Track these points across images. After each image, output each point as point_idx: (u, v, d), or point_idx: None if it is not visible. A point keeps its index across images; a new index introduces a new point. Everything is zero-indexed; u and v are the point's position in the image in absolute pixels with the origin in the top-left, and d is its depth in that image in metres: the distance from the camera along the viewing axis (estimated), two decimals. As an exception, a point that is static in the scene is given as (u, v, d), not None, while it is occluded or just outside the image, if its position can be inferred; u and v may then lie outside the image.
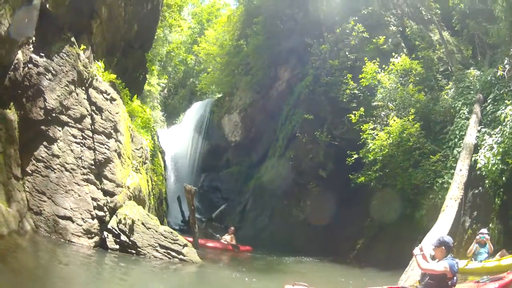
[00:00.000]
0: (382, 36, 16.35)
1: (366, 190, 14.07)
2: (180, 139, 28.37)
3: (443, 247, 5.80)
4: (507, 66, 12.78)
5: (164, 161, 20.80)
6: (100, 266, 7.46)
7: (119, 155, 9.51)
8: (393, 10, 18.46)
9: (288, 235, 15.94)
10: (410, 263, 8.34)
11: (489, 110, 12.32)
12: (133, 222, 8.81)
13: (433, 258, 6.03)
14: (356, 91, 15.44)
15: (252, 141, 23.14)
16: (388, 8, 18.33)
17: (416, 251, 5.86)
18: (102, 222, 8.63)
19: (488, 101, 12.71)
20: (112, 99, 9.84)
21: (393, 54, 15.35)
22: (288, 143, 17.27)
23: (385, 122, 13.79)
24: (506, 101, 11.44)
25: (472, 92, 13.65)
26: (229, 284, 8.27)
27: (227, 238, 15.02)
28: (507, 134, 10.51)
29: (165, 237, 9.13)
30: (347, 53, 16.68)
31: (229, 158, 25.34)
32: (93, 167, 8.78)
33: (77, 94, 8.83)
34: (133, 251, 8.57)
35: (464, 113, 12.99)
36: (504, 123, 10.86)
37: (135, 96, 13.41)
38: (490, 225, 10.23)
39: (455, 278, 5.63)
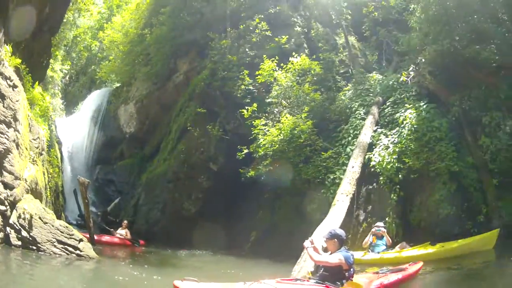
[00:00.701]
0: (286, 35, 16.69)
1: (257, 184, 14.19)
2: (77, 130, 26.90)
3: (336, 240, 5.95)
4: (411, 72, 13.84)
5: (61, 153, 19.84)
6: (5, 264, 7.18)
7: (17, 145, 8.80)
8: (302, 11, 19.00)
9: (181, 229, 15.64)
10: (302, 254, 8.49)
11: (388, 112, 13.19)
12: (31, 217, 8.40)
13: (325, 250, 6.09)
14: (251, 87, 15.53)
15: (147, 133, 22.41)
16: (297, 9, 18.82)
17: (306, 243, 5.93)
18: (4, 217, 8.00)
19: (388, 103, 13.56)
20: (14, 86, 9.10)
21: (294, 53, 15.70)
22: (181, 136, 16.89)
23: (277, 119, 14.00)
24: (407, 105, 12.43)
25: (371, 94, 14.47)
26: (126, 280, 7.83)
27: (122, 232, 14.64)
28: (404, 135, 11.49)
29: (61, 232, 8.77)
30: (247, 49, 16.73)
31: (123, 150, 24.24)
32: (-8, 157, 7.95)
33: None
34: (34, 247, 8.21)
35: (360, 114, 13.71)
36: (402, 125, 11.79)
37: (37, 83, 12.29)
38: (387, 219, 10.83)
39: (351, 269, 5.78)
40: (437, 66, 13.00)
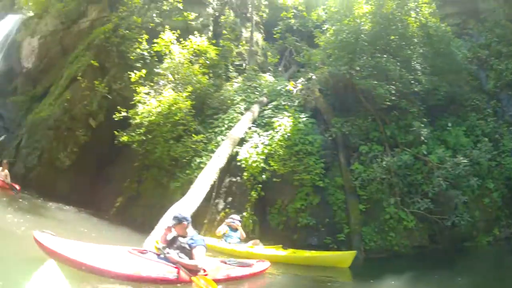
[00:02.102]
0: (196, 13, 16.64)
1: (130, 150, 14.17)
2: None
3: (185, 223, 6.18)
4: (299, 84, 14.35)
5: None
6: None
7: None
8: None
9: (54, 180, 15.36)
10: (155, 228, 8.89)
11: (267, 114, 13.60)
12: None
13: (178, 236, 6.25)
14: (145, 53, 15.40)
15: (42, 72, 21.24)
16: None
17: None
18: None
19: (269, 106, 13.92)
20: None
21: (196, 33, 15.73)
22: (69, 84, 16.33)
23: (160, 91, 14.03)
24: (286, 113, 12.84)
25: (257, 93, 14.81)
26: None
27: (2, 174, 13.97)
28: (276, 140, 11.82)
29: None
30: (154, 15, 16.49)
31: (17, 85, 22.89)
32: None
33: None
34: None
35: (240, 108, 14.03)
36: (276, 130, 12.16)
37: None
38: (245, 214, 11.20)
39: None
40: (328, 87, 13.62)
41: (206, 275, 5.96)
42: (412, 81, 12.87)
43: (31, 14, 26.45)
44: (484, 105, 14.73)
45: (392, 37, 13.40)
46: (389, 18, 13.41)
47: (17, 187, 14.02)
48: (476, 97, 14.79)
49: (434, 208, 10.92)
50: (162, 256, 5.97)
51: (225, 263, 7.12)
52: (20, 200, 12.92)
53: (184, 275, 5.77)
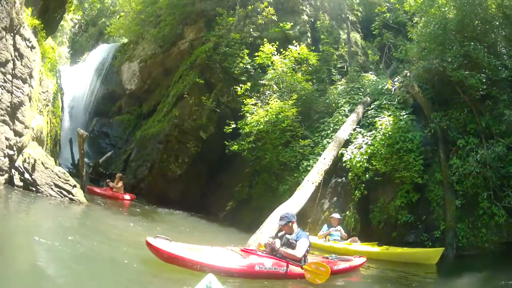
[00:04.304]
0: (292, 22, 17.34)
1: (240, 158, 15.15)
2: (80, 80, 27.41)
3: (290, 223, 6.62)
4: (396, 83, 14.24)
5: (62, 102, 20.43)
6: (7, 201, 8.23)
7: (30, 98, 9.91)
8: (312, 1, 19.50)
9: (165, 188, 16.75)
10: (261, 227, 9.33)
11: (370, 114, 13.65)
12: (35, 161, 9.55)
13: (286, 233, 6.70)
14: (249, 66, 16.31)
15: (146, 92, 23.18)
16: None
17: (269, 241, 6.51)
18: (11, 161, 9.18)
19: (372, 106, 14.00)
20: (32, 47, 10.07)
21: (295, 41, 16.40)
22: (177, 101, 17.67)
23: (267, 101, 14.79)
24: (385, 112, 12.87)
25: (360, 93, 15.00)
26: (106, 223, 9.08)
27: (117, 186, 15.36)
28: (378, 139, 11.84)
29: (59, 177, 9.99)
30: (251, 30, 17.48)
31: (122, 105, 25.09)
32: (9, 109, 9.12)
33: (5, 40, 8.96)
34: (34, 189, 9.36)
35: (344, 110, 14.33)
36: (378, 129, 12.18)
37: (49, 37, 13.04)
38: (348, 213, 11.50)
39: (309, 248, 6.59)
40: (424, 82, 13.42)
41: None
42: (500, 67, 12.28)
43: (124, 41, 29.01)
44: None
45: (476, 22, 12.87)
46: (469, 2, 12.79)
47: (128, 196, 15.37)
48: None
49: None
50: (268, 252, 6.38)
51: (327, 258, 7.55)
52: (132, 206, 14.25)
53: (293, 267, 6.18)
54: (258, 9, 17.92)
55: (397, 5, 18.76)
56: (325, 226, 10.92)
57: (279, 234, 6.95)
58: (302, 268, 6.24)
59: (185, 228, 11.52)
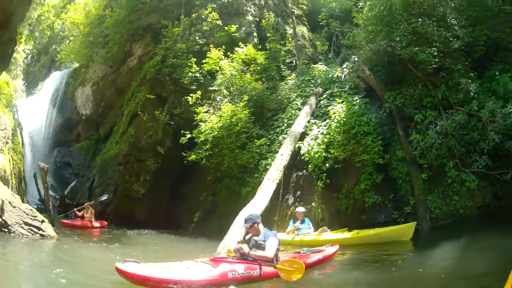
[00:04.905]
0: (237, 24, 17.27)
1: (200, 167, 14.88)
2: (37, 112, 26.85)
3: (256, 224, 6.49)
4: (345, 69, 14.31)
5: (22, 137, 20.15)
6: None
7: None
8: (256, 1, 19.43)
9: (131, 209, 16.41)
10: (228, 233, 9.18)
11: (323, 104, 13.66)
12: (2, 202, 9.34)
13: (253, 235, 6.55)
14: (197, 75, 16.07)
15: (101, 115, 22.71)
16: None
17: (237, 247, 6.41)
18: None
19: (324, 95, 14.00)
20: None
21: (241, 43, 16.29)
22: (131, 120, 17.32)
23: (219, 106, 14.61)
24: (338, 99, 12.85)
25: (312, 85, 14.95)
26: (82, 255, 8.85)
27: (87, 215, 15.23)
28: (333, 128, 11.87)
29: (27, 214, 9.92)
30: (197, 37, 17.25)
31: (79, 131, 24.49)
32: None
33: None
34: (5, 230, 9.27)
35: (297, 104, 14.24)
36: (332, 118, 12.19)
37: (2, 72, 12.47)
38: (313, 204, 11.50)
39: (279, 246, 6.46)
40: (374, 64, 13.49)
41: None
42: (451, 38, 12.37)
43: (76, 65, 28.40)
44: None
45: None
46: None
47: (98, 223, 15.11)
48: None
49: (493, 164, 10.41)
50: (239, 257, 6.25)
51: (299, 253, 7.49)
52: (102, 233, 14.04)
53: (267, 268, 6.06)
54: (203, 16, 17.69)
55: None
56: (291, 222, 10.80)
57: (247, 237, 6.79)
58: (275, 268, 6.11)
59: (155, 247, 11.32)
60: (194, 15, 17.99)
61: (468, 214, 10.61)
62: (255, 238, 6.46)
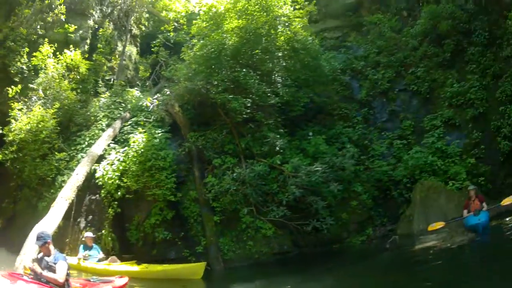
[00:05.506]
0: (77, 25, 16.62)
1: (5, 169, 13.90)
2: None
3: (48, 242, 6.29)
4: (155, 100, 14.50)
5: None
6: None
7: None
8: (105, 7, 18.73)
9: None
10: (23, 247, 9.05)
11: (126, 130, 13.61)
12: None
13: (44, 255, 6.30)
14: (24, 67, 15.09)
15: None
16: (102, 2, 18.50)
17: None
18: None
19: (130, 122, 13.96)
20: None
21: (72, 46, 15.74)
22: None
23: (32, 107, 13.97)
24: (140, 129, 12.92)
25: (121, 109, 14.83)
26: None
27: None
28: (130, 156, 11.88)
29: None
30: (38, 26, 16.30)
31: None
32: None
33: None
34: None
35: (101, 124, 14.01)
36: (131, 146, 12.20)
37: None
38: (103, 231, 11.49)
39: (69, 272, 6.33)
40: (186, 102, 13.81)
41: None
42: (269, 94, 13.20)
43: None
44: (353, 113, 15.56)
45: (257, 51, 13.73)
46: (256, 33, 13.72)
47: None
48: (345, 106, 15.56)
49: (292, 215, 11.39)
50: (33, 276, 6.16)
51: (89, 281, 7.49)
52: None
53: None
54: (53, 6, 16.72)
55: (185, 26, 18.95)
56: (81, 247, 10.66)
57: (39, 256, 6.55)
58: None
59: None
60: (47, 1, 16.97)
61: (265, 259, 11.32)
62: (46, 258, 6.30)
